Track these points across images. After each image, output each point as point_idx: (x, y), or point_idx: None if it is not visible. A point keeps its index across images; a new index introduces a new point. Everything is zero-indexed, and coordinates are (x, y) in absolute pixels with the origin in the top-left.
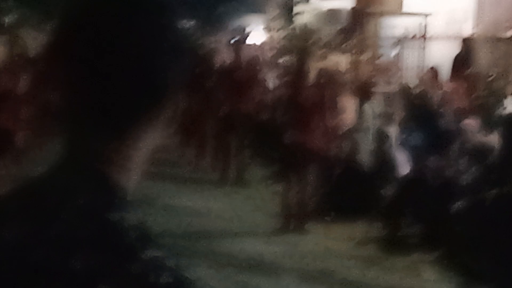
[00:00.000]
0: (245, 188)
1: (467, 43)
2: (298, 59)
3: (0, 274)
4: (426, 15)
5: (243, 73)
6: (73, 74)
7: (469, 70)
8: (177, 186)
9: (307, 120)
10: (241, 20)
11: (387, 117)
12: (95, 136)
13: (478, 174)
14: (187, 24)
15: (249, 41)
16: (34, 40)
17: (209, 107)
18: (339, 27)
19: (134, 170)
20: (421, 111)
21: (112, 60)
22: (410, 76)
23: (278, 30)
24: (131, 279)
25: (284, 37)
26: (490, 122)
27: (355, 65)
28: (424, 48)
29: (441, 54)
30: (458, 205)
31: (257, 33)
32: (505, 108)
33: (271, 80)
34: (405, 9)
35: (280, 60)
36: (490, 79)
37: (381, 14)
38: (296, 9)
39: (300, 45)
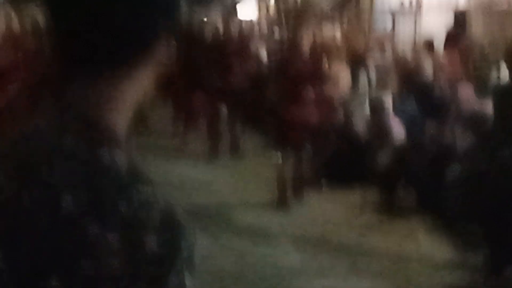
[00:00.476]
0: (240, 159)
1: (462, 15)
2: (293, 31)
3: None
4: None
5: (235, 45)
6: (60, 18)
7: (463, 41)
8: (169, 157)
9: (302, 91)
10: None
11: (382, 87)
12: (82, 80)
13: (473, 141)
14: None
15: (241, 12)
16: None
17: (201, 79)
18: None
19: (122, 113)
20: (416, 81)
21: (100, 4)
22: (405, 47)
23: (271, 1)
24: (119, 215)
25: (278, 9)
26: (484, 90)
27: (350, 36)
28: (419, 19)
29: (436, 25)
30: (453, 172)
31: (250, 5)
32: (499, 77)
33: (265, 52)
34: None
35: (274, 32)
36: (484, 49)
37: None
38: None
39: (295, 16)
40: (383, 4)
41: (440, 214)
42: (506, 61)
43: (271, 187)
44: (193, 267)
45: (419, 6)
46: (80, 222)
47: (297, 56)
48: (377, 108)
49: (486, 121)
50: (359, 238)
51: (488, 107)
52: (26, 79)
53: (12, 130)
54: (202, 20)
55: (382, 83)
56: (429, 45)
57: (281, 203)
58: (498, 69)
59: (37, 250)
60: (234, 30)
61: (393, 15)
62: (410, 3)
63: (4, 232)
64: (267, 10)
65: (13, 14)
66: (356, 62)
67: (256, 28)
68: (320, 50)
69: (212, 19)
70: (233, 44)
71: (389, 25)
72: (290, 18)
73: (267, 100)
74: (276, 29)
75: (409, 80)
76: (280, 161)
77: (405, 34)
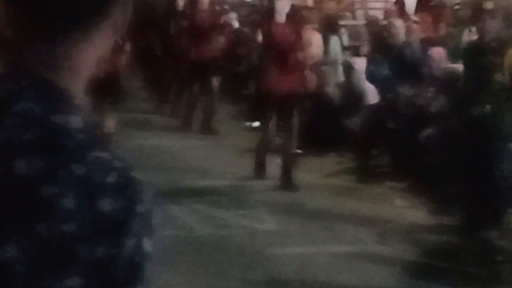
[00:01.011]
0: (214, 128)
1: None
2: None
3: None
4: None
5: (207, 12)
6: None
7: (435, 2)
8: (144, 130)
9: (276, 56)
10: None
11: (354, 50)
12: (38, 44)
13: (445, 102)
14: None
15: None
16: None
17: (174, 50)
18: None
19: (79, 77)
20: (388, 42)
21: None
22: (377, 8)
23: None
24: (74, 179)
25: None
26: (456, 51)
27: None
28: None
29: None
30: (426, 133)
31: None
32: (470, 36)
33: (237, 19)
34: None
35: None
36: (456, 8)
37: None
38: None
39: None
40: None
41: (415, 176)
42: (474, 22)
43: (247, 155)
44: (152, 231)
45: None
46: (33, 185)
47: (269, 22)
48: (350, 72)
49: (458, 81)
50: (335, 204)
51: (459, 67)
52: None
53: None
54: None
55: (354, 47)
56: (401, 7)
57: (257, 171)
58: (469, 29)
59: None
60: None
61: None
62: None
63: None
64: None
65: None
66: (328, 26)
67: None
68: (293, 15)
69: None
70: (205, 11)
71: None
72: None
73: (240, 68)
74: None
75: (382, 43)
76: (254, 128)
77: None
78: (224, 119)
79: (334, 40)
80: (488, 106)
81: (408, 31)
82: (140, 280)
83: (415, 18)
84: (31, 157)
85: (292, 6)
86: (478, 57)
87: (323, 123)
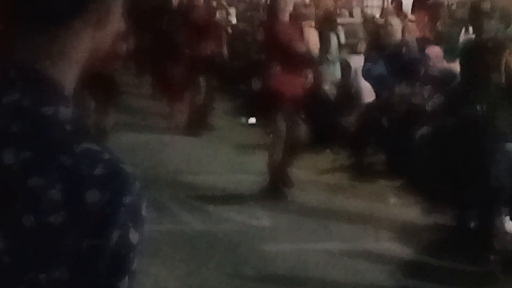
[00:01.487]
0: (211, 126)
1: None
2: None
3: None
4: None
5: (202, 9)
6: None
7: (431, 1)
8: (139, 125)
9: (273, 53)
10: None
11: (351, 48)
12: (29, 36)
13: (441, 101)
14: None
15: None
16: None
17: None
18: None
19: (69, 69)
20: (384, 41)
21: None
22: (374, 7)
23: None
24: (61, 170)
25: None
26: (452, 50)
27: None
28: None
29: None
30: (421, 132)
31: None
32: (466, 35)
33: (234, 16)
34: None
35: None
36: (453, 7)
37: None
38: None
39: None
40: None
41: (409, 174)
42: (471, 21)
43: (242, 151)
44: (139, 223)
45: None
46: (21, 176)
47: (269, 20)
48: (347, 71)
49: (454, 80)
50: (329, 201)
51: (455, 66)
52: None
53: None
54: None
55: (351, 45)
56: (398, 6)
57: (250, 165)
58: (466, 29)
59: None
60: None
61: None
62: None
63: None
64: None
65: None
66: (326, 24)
67: None
68: (291, 13)
69: None
70: (201, 7)
71: None
72: None
73: (236, 63)
74: None
75: (378, 41)
76: (250, 124)
77: None
78: (220, 114)
79: (331, 37)
80: (483, 106)
81: (405, 29)
82: (126, 272)
83: (412, 16)
84: (19, 149)
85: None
86: (474, 56)
87: (318, 120)
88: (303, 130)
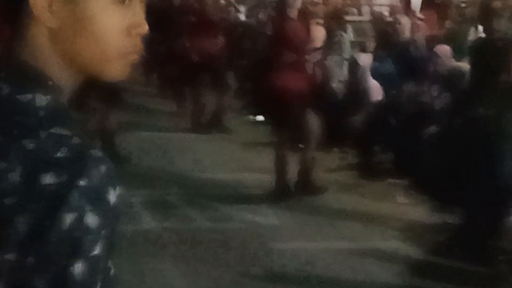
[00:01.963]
0: (220, 124)
1: None
2: None
3: None
4: None
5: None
6: None
7: None
8: (148, 123)
9: (281, 50)
10: None
11: (360, 46)
12: (12, 27)
13: (450, 100)
14: None
15: None
16: None
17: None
18: None
19: (55, 59)
20: (393, 39)
21: None
22: (383, 5)
23: None
24: (25, 154)
25: None
26: (461, 49)
27: None
28: None
29: None
30: (429, 131)
31: None
32: (476, 34)
33: (244, 13)
34: None
35: None
36: (462, 5)
37: None
38: None
39: None
40: None
41: (417, 173)
42: (481, 20)
43: (250, 149)
44: (101, 207)
45: None
46: None
47: (278, 16)
48: (355, 69)
49: (463, 80)
50: (337, 200)
51: (464, 65)
52: None
53: None
54: None
55: (359, 43)
56: (407, 4)
57: (258, 163)
58: (475, 27)
59: None
60: None
61: None
62: None
63: None
64: None
65: None
66: (334, 22)
67: None
68: (301, 10)
69: None
70: (208, 8)
71: None
72: None
73: (244, 61)
74: None
75: (387, 39)
76: (258, 122)
77: None
78: (228, 112)
79: (339, 35)
80: (492, 105)
81: (414, 28)
82: (79, 256)
83: (421, 15)
84: None
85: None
86: (484, 55)
87: (326, 119)
88: (316, 124)
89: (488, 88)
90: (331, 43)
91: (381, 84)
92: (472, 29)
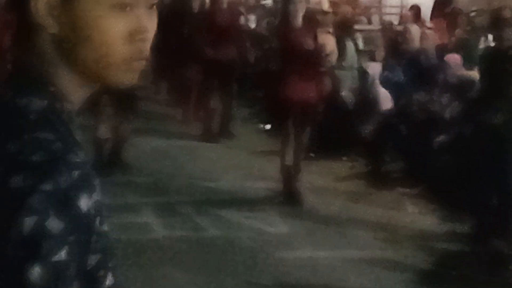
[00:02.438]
0: (230, 132)
1: None
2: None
3: None
4: None
5: (224, 16)
6: None
7: (451, 6)
8: (157, 131)
9: (292, 61)
10: None
11: (369, 55)
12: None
13: (460, 109)
14: None
15: None
16: None
17: (191, 53)
18: None
19: (57, 63)
20: (403, 48)
21: None
22: (393, 14)
23: None
24: (6, 157)
25: None
26: (471, 58)
27: (337, 4)
28: None
29: None
30: (440, 139)
31: None
32: (486, 43)
33: (254, 22)
34: None
35: (263, 2)
36: (472, 14)
37: None
38: None
39: None
40: None
41: (427, 182)
42: (491, 29)
43: (259, 157)
44: (67, 213)
45: None
46: None
47: (285, 26)
48: (364, 78)
49: (473, 88)
50: (347, 209)
51: (475, 75)
52: None
53: None
54: None
55: (369, 52)
56: (417, 13)
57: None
58: (485, 37)
59: None
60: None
61: None
62: None
63: None
64: None
65: None
66: (343, 31)
67: None
68: (308, 19)
69: None
70: (221, 15)
71: None
72: None
73: (254, 69)
74: None
75: (396, 48)
76: (267, 131)
77: (392, 1)
78: (237, 120)
79: (348, 44)
80: (502, 114)
81: (423, 37)
82: (37, 261)
83: (431, 24)
84: None
85: (307, 9)
86: (494, 64)
87: (335, 127)
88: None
89: (498, 97)
90: (340, 52)
91: (391, 93)
92: (482, 38)
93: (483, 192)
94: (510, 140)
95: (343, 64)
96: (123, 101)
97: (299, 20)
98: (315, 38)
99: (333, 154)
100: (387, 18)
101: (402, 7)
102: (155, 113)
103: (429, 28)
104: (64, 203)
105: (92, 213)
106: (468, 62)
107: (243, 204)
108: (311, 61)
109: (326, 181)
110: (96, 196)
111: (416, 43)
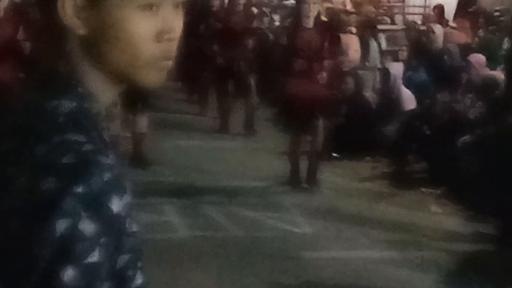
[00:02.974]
0: (251, 133)
1: None
2: None
3: None
4: None
5: (242, 15)
6: None
7: (475, 6)
8: (179, 130)
9: (314, 60)
10: None
11: (393, 55)
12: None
13: (484, 109)
14: None
15: None
16: None
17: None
18: None
19: (81, 64)
20: (426, 48)
21: None
22: (416, 13)
23: None
24: (36, 159)
25: None
26: (495, 58)
27: (360, 4)
28: None
29: None
30: (463, 140)
31: None
32: (510, 43)
33: (275, 21)
34: None
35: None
36: (496, 14)
37: None
38: None
39: None
40: None
41: (451, 183)
42: None
43: (282, 158)
44: (99, 214)
45: None
46: (3, 165)
47: (307, 25)
48: (387, 78)
49: (497, 88)
50: (370, 209)
51: (499, 75)
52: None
53: None
54: None
55: (392, 51)
56: (440, 13)
57: (292, 176)
58: (509, 37)
59: None
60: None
61: None
62: None
63: None
64: None
65: None
66: (366, 31)
67: None
68: (331, 19)
69: None
70: (239, 15)
71: None
72: None
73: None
74: None
75: (420, 48)
76: (291, 134)
77: (415, 1)
78: (261, 121)
79: (372, 44)
80: None
81: (447, 36)
82: (70, 262)
83: (454, 24)
84: (9, 140)
85: (327, 9)
86: None
87: (359, 128)
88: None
89: None
90: (363, 52)
91: (414, 93)
92: (506, 38)
93: (508, 193)
94: None
95: (366, 64)
96: (139, 98)
97: (310, 21)
98: (331, 38)
99: (356, 155)
100: (410, 18)
101: (425, 6)
102: (177, 110)
103: (453, 28)
104: (96, 205)
105: (123, 214)
106: (491, 62)
107: (265, 204)
108: (322, 61)
109: (350, 181)
110: (127, 197)
111: (439, 43)
